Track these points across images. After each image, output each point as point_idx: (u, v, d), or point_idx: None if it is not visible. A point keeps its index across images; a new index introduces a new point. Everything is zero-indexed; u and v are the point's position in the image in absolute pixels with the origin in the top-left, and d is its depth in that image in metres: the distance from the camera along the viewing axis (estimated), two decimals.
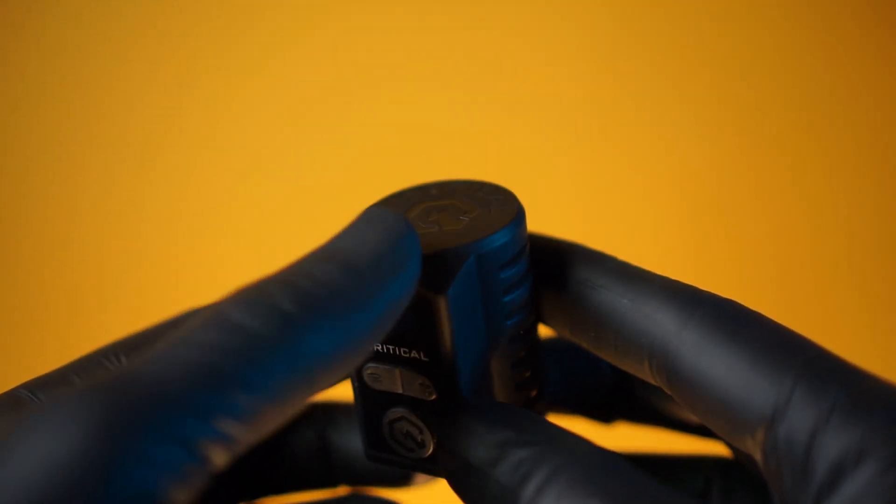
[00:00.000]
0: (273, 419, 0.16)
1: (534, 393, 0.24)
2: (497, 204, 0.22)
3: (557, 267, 0.23)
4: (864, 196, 0.57)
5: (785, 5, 0.56)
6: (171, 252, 0.58)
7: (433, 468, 0.23)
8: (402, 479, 0.27)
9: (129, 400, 0.14)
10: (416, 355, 0.21)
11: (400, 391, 0.22)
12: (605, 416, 0.28)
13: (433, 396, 0.22)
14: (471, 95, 0.58)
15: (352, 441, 0.27)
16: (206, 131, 0.59)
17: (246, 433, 0.15)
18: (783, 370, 0.18)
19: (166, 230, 0.58)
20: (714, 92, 0.57)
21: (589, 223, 0.56)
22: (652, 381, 0.21)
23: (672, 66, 0.57)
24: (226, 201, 0.59)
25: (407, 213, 0.22)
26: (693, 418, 0.26)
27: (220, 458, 0.15)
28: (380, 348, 0.22)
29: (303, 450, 0.27)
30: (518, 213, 0.22)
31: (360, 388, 0.23)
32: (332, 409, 0.28)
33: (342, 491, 0.27)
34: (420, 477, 0.28)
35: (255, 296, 0.16)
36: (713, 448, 0.27)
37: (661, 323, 0.20)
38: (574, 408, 0.28)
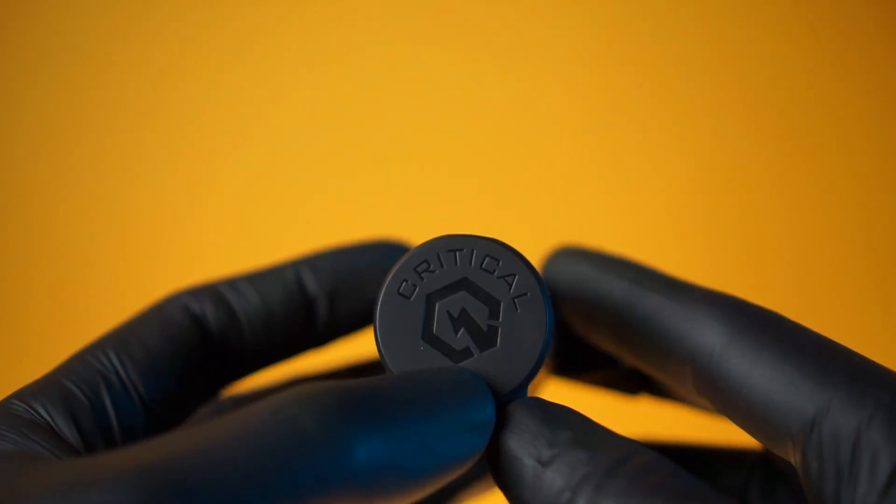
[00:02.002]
0: None
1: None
2: (517, 288, 0.20)
3: (602, 274, 0.23)
4: (882, 193, 0.57)
5: (802, 3, 0.56)
6: (155, 250, 0.57)
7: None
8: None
9: (172, 483, 0.14)
10: None
11: None
12: (630, 388, 0.28)
13: None
14: (483, 95, 0.58)
15: None
16: (191, 128, 0.58)
17: None
18: (826, 374, 0.18)
19: (152, 227, 0.58)
20: (730, 88, 0.57)
21: (602, 220, 0.56)
22: (688, 388, 0.21)
23: (688, 62, 0.57)
24: (212, 197, 0.58)
25: (432, 329, 0.20)
26: None
27: None
28: None
29: None
30: (548, 308, 0.20)
31: None
32: None
33: None
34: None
35: (323, 398, 0.16)
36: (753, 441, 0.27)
37: (709, 327, 0.20)
38: (600, 379, 0.28)
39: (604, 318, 0.23)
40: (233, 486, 0.15)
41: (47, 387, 0.20)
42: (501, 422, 0.19)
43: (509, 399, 0.20)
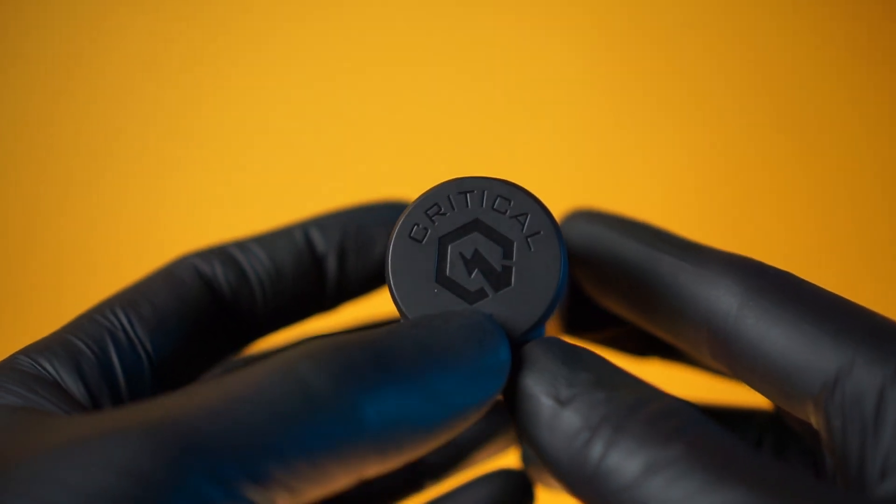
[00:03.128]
0: (329, 479, 0.16)
1: None
2: (530, 227, 0.20)
3: (618, 236, 0.23)
4: (872, 188, 0.56)
5: (798, 2, 0.56)
6: (157, 245, 0.57)
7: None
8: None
9: (180, 440, 0.15)
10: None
11: None
12: (638, 349, 0.28)
13: None
14: (482, 87, 0.57)
15: None
16: (192, 126, 0.58)
17: (293, 484, 0.15)
18: (847, 333, 0.18)
19: (151, 225, 0.58)
20: (725, 86, 0.57)
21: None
22: (702, 351, 0.21)
23: (683, 60, 0.57)
24: (212, 194, 0.58)
25: (446, 272, 0.20)
26: None
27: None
28: None
29: None
30: (561, 245, 0.20)
31: None
32: None
33: None
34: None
35: (331, 354, 0.16)
36: (763, 401, 0.27)
37: (725, 289, 0.20)
38: (608, 338, 0.28)
39: (618, 280, 0.23)
40: (240, 444, 0.15)
41: (53, 343, 0.20)
42: (518, 362, 0.19)
43: (526, 339, 0.19)
